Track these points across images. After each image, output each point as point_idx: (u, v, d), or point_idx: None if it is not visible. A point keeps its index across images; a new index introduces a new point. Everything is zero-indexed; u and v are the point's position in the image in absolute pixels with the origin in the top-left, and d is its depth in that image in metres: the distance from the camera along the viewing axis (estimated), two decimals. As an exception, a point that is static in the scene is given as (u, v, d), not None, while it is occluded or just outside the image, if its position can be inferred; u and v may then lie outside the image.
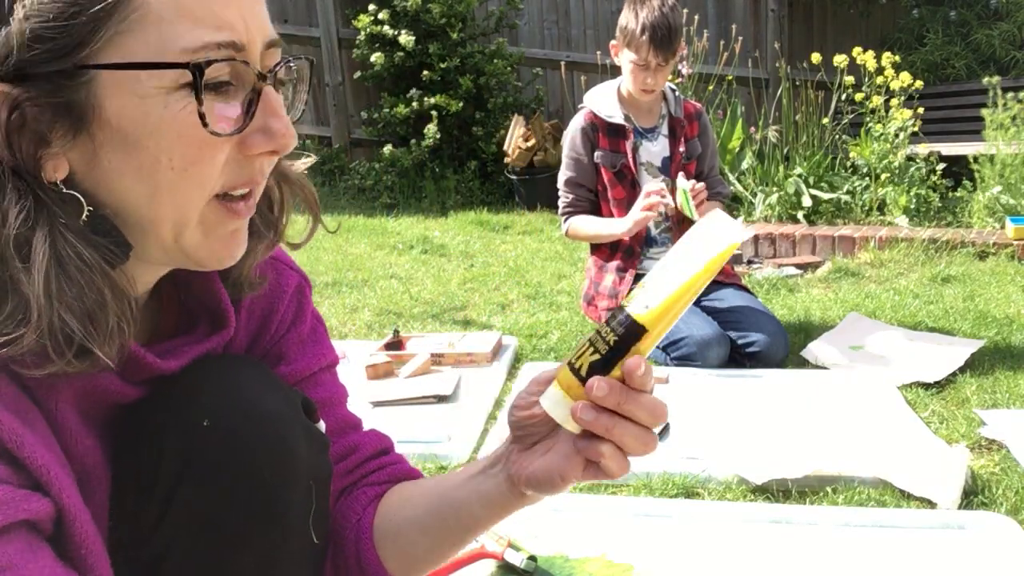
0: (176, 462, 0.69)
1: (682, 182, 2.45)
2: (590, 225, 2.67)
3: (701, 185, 2.47)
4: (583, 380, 0.65)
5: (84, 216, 0.59)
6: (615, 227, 2.59)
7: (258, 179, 0.65)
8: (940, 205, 4.41)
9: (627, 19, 2.53)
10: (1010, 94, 4.59)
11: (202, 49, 0.58)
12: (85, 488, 0.66)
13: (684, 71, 4.90)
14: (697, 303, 2.57)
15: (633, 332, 0.64)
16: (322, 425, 0.81)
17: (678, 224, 2.70)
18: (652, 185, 2.48)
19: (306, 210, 0.79)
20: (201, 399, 0.71)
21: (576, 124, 2.69)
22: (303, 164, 0.81)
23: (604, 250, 2.73)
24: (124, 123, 0.57)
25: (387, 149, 5.90)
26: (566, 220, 2.72)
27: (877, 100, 4.38)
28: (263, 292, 0.82)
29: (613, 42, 2.63)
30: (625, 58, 2.57)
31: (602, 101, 2.68)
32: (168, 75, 0.57)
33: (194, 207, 0.62)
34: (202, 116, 0.58)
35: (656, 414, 0.65)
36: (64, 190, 0.58)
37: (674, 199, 2.47)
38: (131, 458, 0.70)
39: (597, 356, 0.65)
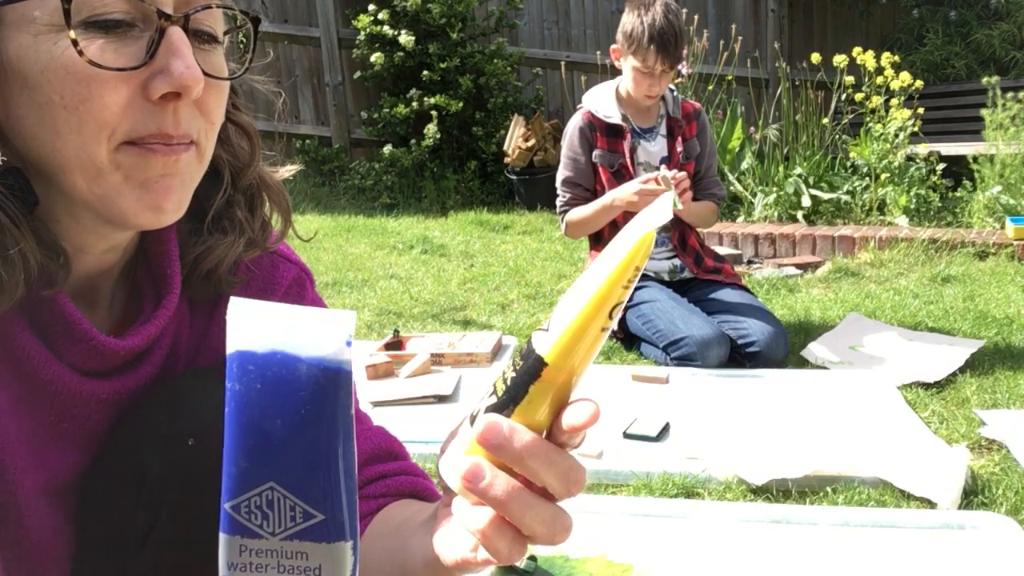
0: (159, 483, 0.66)
1: (664, 172, 2.45)
2: (588, 206, 2.62)
3: (683, 174, 2.44)
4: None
5: None
6: (616, 194, 2.52)
7: (170, 130, 0.60)
8: (940, 205, 4.41)
9: (632, 24, 2.49)
10: (1010, 94, 4.59)
11: None
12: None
13: (684, 71, 4.90)
14: (697, 302, 2.57)
15: (535, 368, 0.48)
16: None
17: (675, 224, 2.70)
18: (645, 177, 2.47)
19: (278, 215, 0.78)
20: (184, 416, 0.68)
21: (574, 123, 2.69)
22: (286, 172, 0.79)
23: (602, 247, 2.72)
24: (23, 64, 0.56)
25: (387, 149, 5.90)
26: (564, 216, 2.71)
27: (877, 100, 4.38)
28: (255, 286, 0.79)
29: (614, 46, 2.61)
30: (629, 64, 2.55)
31: (600, 101, 2.67)
32: (53, 9, 0.56)
33: (97, 151, 0.58)
34: (75, 43, 0.56)
35: (571, 480, 0.48)
36: None
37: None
38: (113, 475, 0.68)
39: (493, 399, 0.50)
